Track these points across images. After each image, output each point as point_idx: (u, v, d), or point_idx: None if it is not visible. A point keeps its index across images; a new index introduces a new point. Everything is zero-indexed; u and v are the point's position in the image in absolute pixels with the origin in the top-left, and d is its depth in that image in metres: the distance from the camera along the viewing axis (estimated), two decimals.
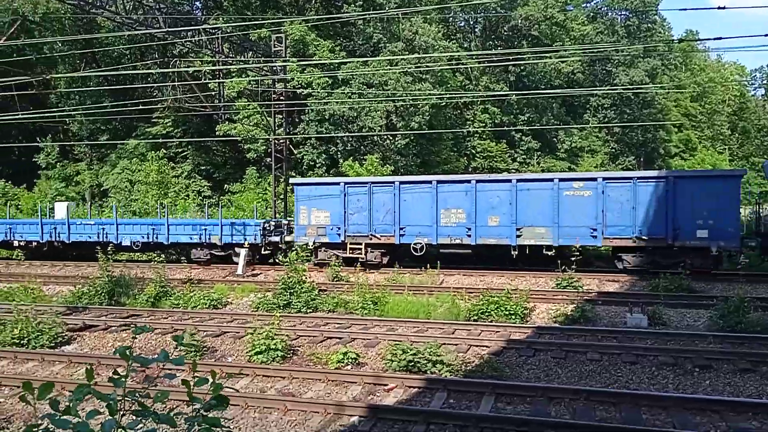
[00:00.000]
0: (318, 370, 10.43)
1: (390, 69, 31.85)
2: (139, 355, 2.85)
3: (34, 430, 2.60)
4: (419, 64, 32.69)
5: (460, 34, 47.82)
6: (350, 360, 10.94)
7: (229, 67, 29.72)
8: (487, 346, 11.56)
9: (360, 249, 21.75)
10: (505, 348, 11.43)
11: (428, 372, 10.16)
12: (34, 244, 26.45)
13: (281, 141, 30.02)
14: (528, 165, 40.39)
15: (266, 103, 30.75)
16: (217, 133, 32.30)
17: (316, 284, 17.06)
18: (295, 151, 33.94)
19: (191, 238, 24.12)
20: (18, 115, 29.20)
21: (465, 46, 46.06)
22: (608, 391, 9.07)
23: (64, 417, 2.54)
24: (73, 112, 35.73)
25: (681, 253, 18.68)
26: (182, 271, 21.55)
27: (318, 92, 32.06)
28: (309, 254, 21.07)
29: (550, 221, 19.68)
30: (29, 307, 13.27)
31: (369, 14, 31.79)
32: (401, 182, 21.69)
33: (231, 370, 10.35)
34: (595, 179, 19.57)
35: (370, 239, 21.69)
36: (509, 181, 20.54)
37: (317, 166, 33.68)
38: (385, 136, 33.39)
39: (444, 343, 11.54)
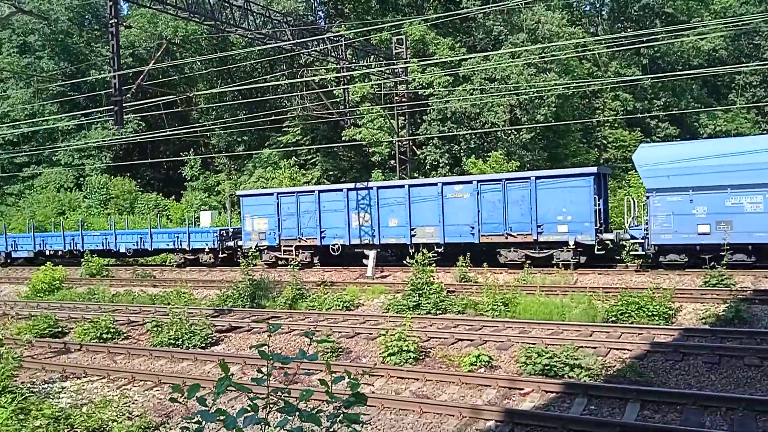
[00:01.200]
0: (451, 373, 10.40)
1: (512, 62, 31.11)
2: (279, 354, 2.97)
3: (189, 423, 2.86)
4: (543, 54, 31.63)
5: (586, 19, 45.70)
6: (483, 363, 10.80)
7: (352, 72, 30.53)
8: (628, 350, 10.93)
9: (291, 251, 24.67)
10: (650, 351, 10.74)
11: (566, 376, 9.80)
12: (59, 252, 31.80)
13: (404, 143, 30.35)
14: None
15: (389, 105, 31.24)
16: (343, 138, 33.28)
17: (444, 285, 17.04)
18: (419, 152, 34.16)
19: (167, 245, 28.26)
20: (166, 131, 31.95)
21: (591, 31, 43.95)
22: None
23: (213, 412, 2.72)
24: (212, 126, 38.46)
25: (547, 247, 20.25)
26: (316, 273, 22.46)
27: (439, 91, 32.03)
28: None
29: (437, 221, 21.89)
30: (182, 311, 14.39)
31: (490, 7, 31.25)
32: (320, 191, 24.94)
33: (366, 370, 10.59)
34: (471, 182, 21.85)
35: (299, 242, 24.74)
36: (402, 186, 23.03)
37: (440, 165, 33.66)
38: (510, 132, 32.67)
39: (581, 346, 11.06)
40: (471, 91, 31.81)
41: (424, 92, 31.96)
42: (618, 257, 21.16)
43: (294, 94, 34.42)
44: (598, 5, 46.25)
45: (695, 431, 7.29)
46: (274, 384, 2.91)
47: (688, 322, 13.12)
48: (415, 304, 15.52)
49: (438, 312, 15.29)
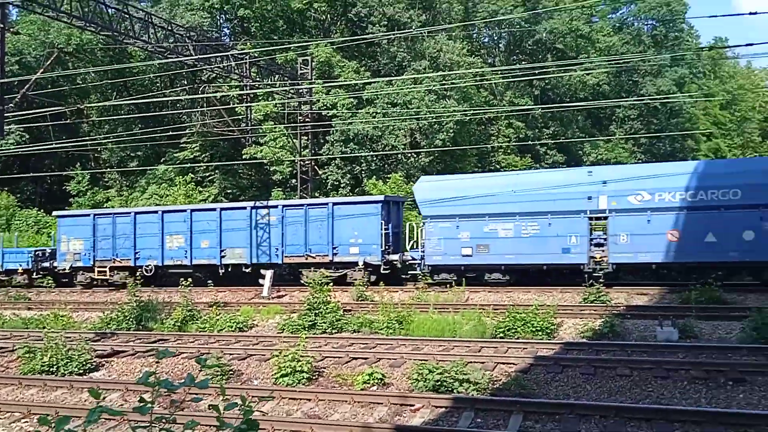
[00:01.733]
0: (344, 392, 10.41)
1: (414, 87, 32.00)
2: (165, 380, 2.86)
3: None
4: (444, 82, 32.79)
5: (485, 50, 47.84)
6: (376, 380, 10.89)
7: (256, 90, 30.22)
8: (514, 363, 11.41)
9: (106, 271, 25.44)
10: (533, 365, 11.27)
11: (455, 391, 10.06)
12: None
13: (306, 162, 30.30)
14: None
15: (292, 125, 31.13)
16: (243, 156, 32.76)
17: (341, 304, 17.08)
18: (320, 172, 34.22)
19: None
20: (52, 144, 30.09)
21: (489, 61, 46.05)
22: (640, 407, 8.88)
23: None
24: (104, 140, 36.64)
25: (342, 267, 22.23)
26: (209, 294, 21.86)
27: (343, 113, 32.34)
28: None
29: (247, 243, 23.43)
30: (59, 335, 13.47)
31: (394, 34, 32.06)
32: (136, 212, 26.04)
33: (258, 393, 10.38)
34: (277, 206, 23.79)
35: (113, 263, 25.49)
36: (215, 210, 24.67)
37: (342, 186, 33.87)
38: (409, 155, 33.46)
39: (470, 362, 11.42)
40: (374, 114, 32.38)
41: (328, 113, 32.16)
42: (404, 276, 23.08)
43: (194, 110, 33.58)
44: (495, 38, 48.61)
45: None
46: (160, 411, 2.76)
47: (569, 336, 13.90)
48: (310, 323, 15.43)
49: (334, 331, 15.28)
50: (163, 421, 2.79)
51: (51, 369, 12.46)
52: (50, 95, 32.56)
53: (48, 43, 37.09)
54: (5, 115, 18.45)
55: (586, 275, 18.82)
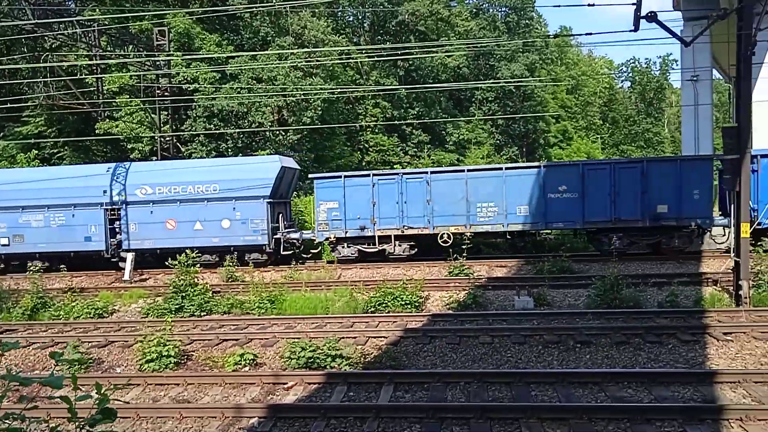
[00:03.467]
0: (214, 374, 10.18)
1: (279, 63, 31.38)
2: (17, 374, 2.63)
3: None
4: (309, 59, 32.47)
5: (349, 29, 47.95)
6: (247, 361, 10.75)
7: (107, 61, 28.08)
8: (385, 337, 11.76)
9: None
10: (402, 337, 11.67)
11: (328, 367, 10.20)
12: None
13: (167, 139, 28.82)
14: (419, 158, 41.30)
15: (150, 99, 29.38)
16: (96, 131, 30.44)
17: (210, 286, 16.59)
18: (183, 149, 32.69)
19: None
20: None
21: (354, 41, 46.24)
22: (499, 371, 9.53)
23: None
24: None
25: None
26: (63, 279, 20.26)
27: (205, 88, 31.03)
28: None
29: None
30: None
31: (255, 7, 31.12)
32: None
33: (119, 381, 9.85)
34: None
35: None
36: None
37: None
38: (278, 132, 32.91)
39: (343, 337, 11.63)
40: (238, 89, 31.38)
41: (189, 87, 30.70)
42: None
43: (37, 80, 30.51)
44: (360, 17, 48.84)
45: (437, 405, 8.12)
46: (8, 406, 2.56)
47: (435, 308, 14.54)
48: (177, 306, 14.84)
49: (203, 313, 14.83)
50: (11, 418, 2.59)
51: None
52: None
53: None
54: None
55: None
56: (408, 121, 40.73)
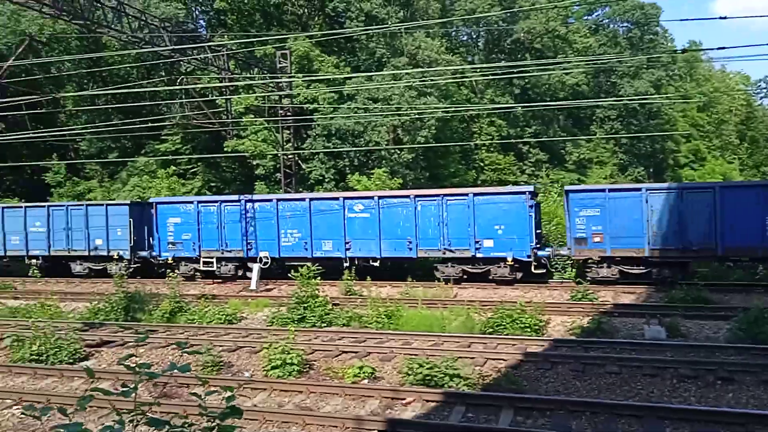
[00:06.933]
0: (335, 385, 10.38)
1: (394, 83, 31.96)
2: (146, 367, 2.89)
3: None
4: (423, 78, 32.82)
5: (464, 48, 48.04)
6: (367, 374, 10.88)
7: (235, 84, 29.88)
8: (504, 360, 11.47)
9: None
10: (522, 361, 11.33)
11: (445, 386, 10.09)
12: None
13: (290, 156, 30.09)
14: (537, 177, 40.32)
15: (273, 118, 30.88)
16: (225, 149, 32.42)
17: (330, 298, 17.02)
18: (304, 166, 34.03)
19: None
20: (27, 134, 29.39)
21: (468, 59, 46.22)
22: (630, 404, 8.98)
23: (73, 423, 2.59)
24: (81, 131, 35.93)
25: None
26: (197, 286, 21.64)
27: (324, 107, 32.18)
28: None
29: None
30: (46, 324, 13.27)
31: (371, 29, 31.93)
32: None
33: (247, 383, 10.30)
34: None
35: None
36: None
37: (326, 180, 33.73)
38: (393, 151, 33.43)
39: (460, 357, 11.45)
40: (354, 109, 32.27)
41: (309, 107, 31.98)
42: None
43: (174, 101, 33.05)
44: (474, 36, 48.81)
45: None
46: (147, 399, 2.79)
47: (557, 333, 14.01)
48: (299, 317, 15.34)
49: (323, 325, 15.22)
50: (146, 406, 2.83)
51: (40, 358, 12.33)
52: (24, 85, 31.79)
53: (19, 32, 36.23)
54: None
55: None
56: (525, 140, 39.97)
